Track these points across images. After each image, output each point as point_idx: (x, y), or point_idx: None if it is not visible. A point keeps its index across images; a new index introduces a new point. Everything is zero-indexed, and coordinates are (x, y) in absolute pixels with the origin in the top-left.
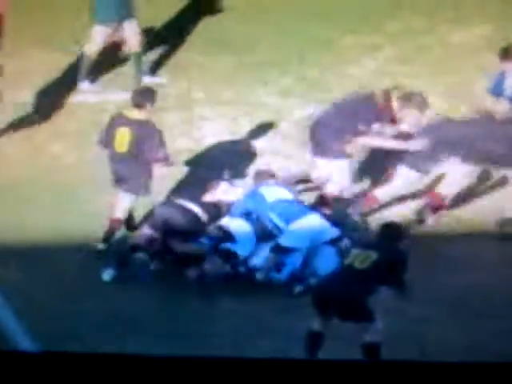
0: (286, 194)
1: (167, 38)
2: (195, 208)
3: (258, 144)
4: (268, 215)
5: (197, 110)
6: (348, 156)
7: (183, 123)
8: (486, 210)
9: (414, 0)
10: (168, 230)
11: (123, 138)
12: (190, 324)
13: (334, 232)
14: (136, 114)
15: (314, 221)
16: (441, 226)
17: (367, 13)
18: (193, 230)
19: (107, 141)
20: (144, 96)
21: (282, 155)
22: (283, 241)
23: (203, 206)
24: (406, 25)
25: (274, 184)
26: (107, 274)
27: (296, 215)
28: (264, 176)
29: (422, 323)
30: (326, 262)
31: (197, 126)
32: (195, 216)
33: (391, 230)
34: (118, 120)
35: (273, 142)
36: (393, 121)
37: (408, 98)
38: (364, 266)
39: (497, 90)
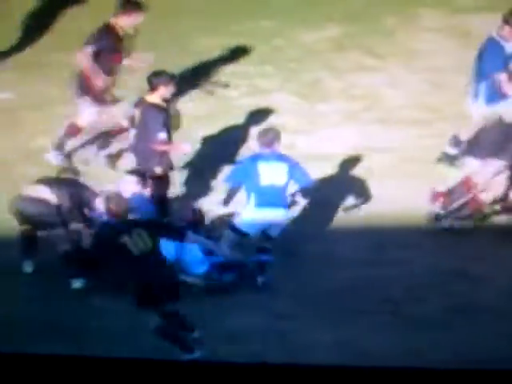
0: (280, 176)
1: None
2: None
3: None
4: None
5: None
6: None
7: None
8: None
9: (267, 2)
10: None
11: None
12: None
13: None
14: (148, 97)
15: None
16: (305, 223)
17: (218, 14)
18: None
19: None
20: (157, 78)
21: None
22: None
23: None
24: (259, 26)
25: (275, 157)
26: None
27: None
28: (269, 137)
29: (288, 320)
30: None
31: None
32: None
33: None
34: (136, 104)
35: None
36: None
37: None
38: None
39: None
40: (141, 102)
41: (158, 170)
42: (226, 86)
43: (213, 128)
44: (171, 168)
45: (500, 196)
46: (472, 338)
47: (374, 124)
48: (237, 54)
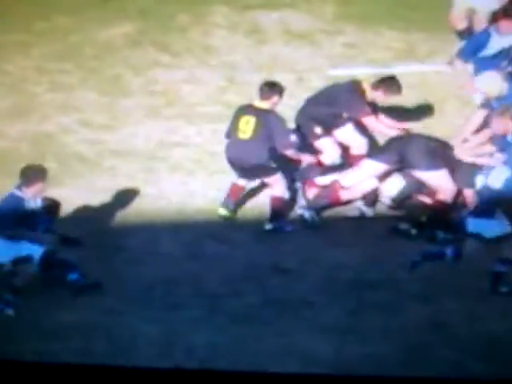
0: None
1: None
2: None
3: None
4: None
5: None
6: None
7: None
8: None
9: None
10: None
11: (246, 125)
12: None
13: None
14: (261, 104)
15: None
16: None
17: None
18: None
19: (230, 130)
20: (272, 88)
21: None
22: None
23: None
24: (54, 24)
25: None
26: None
27: None
28: None
29: (111, 316)
30: None
31: None
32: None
33: None
34: (242, 110)
35: None
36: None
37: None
38: None
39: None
40: (255, 110)
41: None
42: None
43: (19, 123)
44: None
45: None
46: (291, 331)
47: (176, 119)
48: (37, 52)
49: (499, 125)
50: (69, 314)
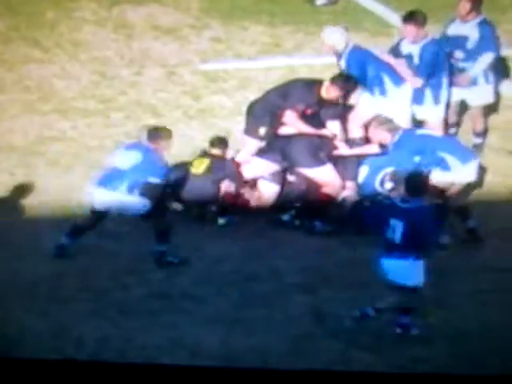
0: None
1: None
2: None
3: None
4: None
5: None
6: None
7: None
8: None
9: None
10: None
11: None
12: None
13: None
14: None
15: None
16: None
17: None
18: None
19: None
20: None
21: None
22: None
23: None
24: None
25: None
26: None
27: None
28: None
29: None
30: None
31: None
32: None
33: None
34: None
35: None
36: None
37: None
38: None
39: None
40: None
41: None
42: None
43: None
44: None
45: None
46: (177, 324)
47: (51, 114)
48: None
49: (375, 136)
50: None
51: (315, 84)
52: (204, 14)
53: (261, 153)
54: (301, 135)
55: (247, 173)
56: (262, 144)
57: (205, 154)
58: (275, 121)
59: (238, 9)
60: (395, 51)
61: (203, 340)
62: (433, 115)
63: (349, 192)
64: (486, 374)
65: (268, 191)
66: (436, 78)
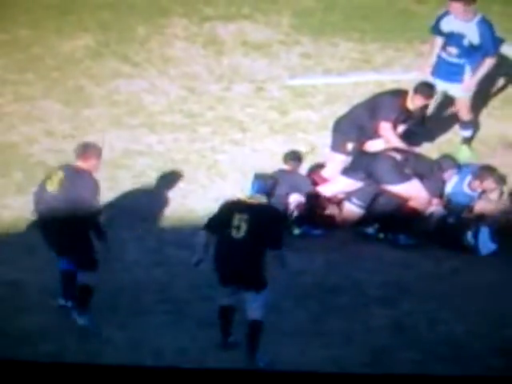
0: None
1: None
2: None
3: None
4: None
5: None
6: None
7: None
8: None
9: (20, 11)
10: None
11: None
12: None
13: None
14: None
15: None
16: None
17: None
18: None
19: None
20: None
21: None
22: None
23: None
24: (15, 36)
25: None
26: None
27: None
28: None
29: None
30: None
31: None
32: None
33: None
34: None
35: None
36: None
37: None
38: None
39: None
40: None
41: None
42: None
43: None
44: None
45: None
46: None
47: (138, 128)
48: None
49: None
50: (37, 318)
51: (400, 95)
52: (294, 30)
53: (345, 170)
54: (385, 152)
55: (331, 190)
56: (349, 159)
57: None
58: (362, 136)
59: (328, 25)
60: (436, 29)
61: (282, 351)
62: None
63: (436, 207)
64: None
65: (353, 210)
66: (495, 49)
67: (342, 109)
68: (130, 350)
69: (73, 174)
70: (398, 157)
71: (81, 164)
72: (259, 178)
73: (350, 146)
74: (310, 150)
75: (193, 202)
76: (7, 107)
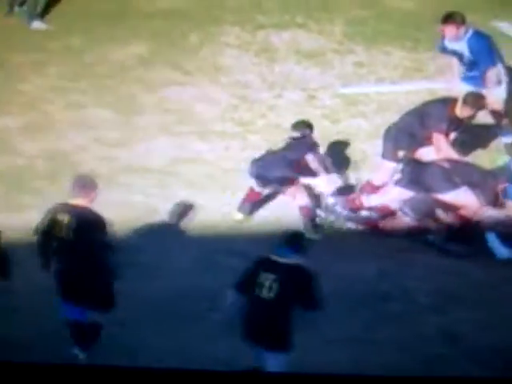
0: None
1: None
2: None
3: None
4: None
5: None
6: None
7: None
8: None
9: (72, 20)
10: None
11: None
12: None
13: None
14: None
15: None
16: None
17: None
18: None
19: None
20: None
21: None
22: None
23: None
24: (67, 44)
25: None
26: None
27: None
28: None
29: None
30: None
31: None
32: None
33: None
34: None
35: None
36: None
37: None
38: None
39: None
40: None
41: None
42: None
43: (35, 141)
44: None
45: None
46: (306, 342)
47: (189, 136)
48: (50, 71)
49: None
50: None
51: (449, 103)
52: (347, 38)
53: (397, 180)
54: (436, 161)
55: (383, 199)
56: (399, 167)
57: None
58: (413, 144)
59: (381, 34)
60: (442, 49)
61: (332, 358)
62: (494, 97)
63: (486, 215)
64: None
65: (404, 220)
66: (493, 62)
67: (393, 117)
68: (179, 357)
69: (79, 215)
70: (449, 165)
71: (81, 201)
72: (289, 236)
73: (400, 153)
74: None
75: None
76: (58, 114)
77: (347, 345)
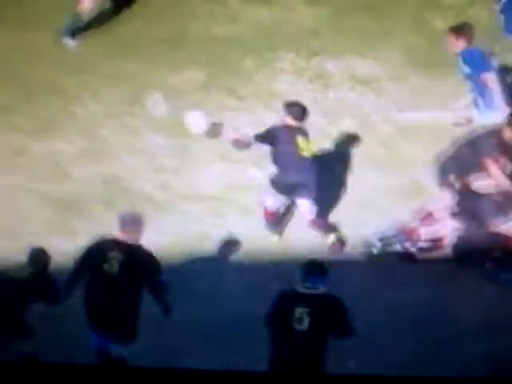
0: None
1: None
2: None
3: None
4: None
5: None
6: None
7: None
8: None
9: (128, 45)
10: None
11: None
12: None
13: None
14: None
15: None
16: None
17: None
18: None
19: None
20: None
21: None
22: None
23: None
24: (122, 68)
25: None
26: None
27: None
28: None
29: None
30: None
31: None
32: None
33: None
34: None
35: None
36: None
37: None
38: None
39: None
40: None
41: None
42: None
43: (89, 166)
44: None
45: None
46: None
47: (243, 162)
48: (106, 95)
49: None
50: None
51: (497, 129)
52: (403, 65)
53: (451, 211)
54: (489, 192)
55: (438, 230)
56: (454, 196)
57: None
58: (466, 172)
59: (436, 60)
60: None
61: None
62: (490, 120)
63: None
64: None
65: (456, 249)
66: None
67: (448, 144)
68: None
69: (131, 253)
70: (503, 196)
71: (133, 237)
72: (313, 267)
73: (455, 183)
74: None
75: (294, 237)
76: (112, 139)
77: (391, 369)
